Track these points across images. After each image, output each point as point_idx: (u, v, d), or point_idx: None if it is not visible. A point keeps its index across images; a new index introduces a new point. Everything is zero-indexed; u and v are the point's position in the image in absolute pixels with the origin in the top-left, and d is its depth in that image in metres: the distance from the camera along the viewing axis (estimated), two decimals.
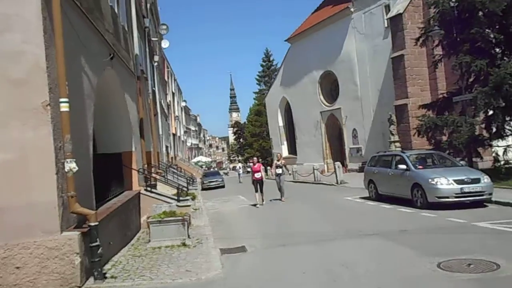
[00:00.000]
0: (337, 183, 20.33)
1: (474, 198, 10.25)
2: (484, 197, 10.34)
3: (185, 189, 13.51)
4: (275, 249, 7.71)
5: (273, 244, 8.11)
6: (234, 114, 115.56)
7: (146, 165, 13.51)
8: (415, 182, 10.90)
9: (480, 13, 14.48)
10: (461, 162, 12.28)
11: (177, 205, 10.95)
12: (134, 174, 11.32)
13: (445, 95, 16.93)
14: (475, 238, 7.16)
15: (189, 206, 11.57)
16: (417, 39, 16.70)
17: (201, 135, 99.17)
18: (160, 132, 23.05)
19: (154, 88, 21.70)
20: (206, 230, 10.13)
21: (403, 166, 11.45)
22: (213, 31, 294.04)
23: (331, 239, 8.05)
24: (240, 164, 40.93)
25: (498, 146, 15.16)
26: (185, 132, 60.29)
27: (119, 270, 6.56)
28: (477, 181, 10.36)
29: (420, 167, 11.49)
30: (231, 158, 79.72)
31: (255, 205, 14.35)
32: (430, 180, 10.44)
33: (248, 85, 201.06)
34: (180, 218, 8.56)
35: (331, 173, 22.30)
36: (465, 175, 10.48)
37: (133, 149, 11.35)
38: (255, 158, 16.27)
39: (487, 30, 14.70)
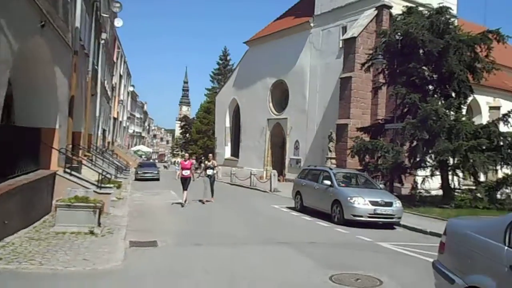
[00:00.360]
0: (270, 190, 20.65)
1: (385, 220, 10.93)
2: (393, 220, 11.03)
3: (109, 176, 13.03)
4: (186, 247, 7.74)
5: (186, 242, 8.15)
6: (184, 108, 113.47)
7: (71, 146, 12.86)
8: (335, 198, 11.39)
9: (421, 50, 15.42)
10: (381, 185, 12.97)
11: (95, 191, 10.59)
12: (55, 153, 10.74)
13: (380, 121, 17.79)
14: (373, 256, 7.63)
15: (109, 194, 11.24)
16: (363, 64, 17.44)
17: (146, 123, 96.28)
18: (97, 114, 22.05)
19: (96, 67, 20.73)
20: (123, 220, 9.91)
21: (328, 182, 11.93)
22: (175, 14, 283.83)
23: (244, 243, 8.27)
24: (179, 159, 40.28)
25: (418, 175, 16.18)
26: (128, 118, 58.37)
27: (8, 252, 6.21)
28: (390, 204, 11.02)
29: (343, 185, 11.99)
30: (175, 152, 78.27)
31: (181, 203, 13.87)
32: (348, 198, 10.96)
33: (202, 80, 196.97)
34: (92, 205, 8.32)
35: (268, 180, 22.58)
36: (381, 197, 11.13)
37: (57, 126, 10.78)
38: (186, 154, 15.85)
39: (424, 67, 15.71)
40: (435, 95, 16.18)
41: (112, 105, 38.12)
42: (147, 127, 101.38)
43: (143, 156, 54.42)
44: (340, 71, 23.75)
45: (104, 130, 30.27)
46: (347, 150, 20.71)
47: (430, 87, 16.48)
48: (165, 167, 48.41)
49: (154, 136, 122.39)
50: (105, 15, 23.20)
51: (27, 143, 9.26)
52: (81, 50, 14.34)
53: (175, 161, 36.78)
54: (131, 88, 58.17)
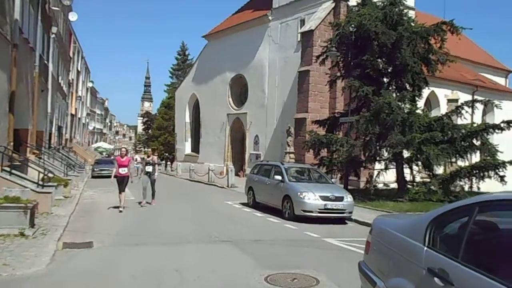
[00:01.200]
0: (227, 186, 20.31)
1: (335, 215, 10.74)
2: (344, 214, 10.87)
3: (51, 174, 12.25)
4: (123, 247, 7.36)
5: (124, 242, 7.77)
6: (147, 104, 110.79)
7: (12, 143, 12.04)
8: (286, 194, 11.13)
9: (375, 43, 15.33)
10: (333, 179, 12.81)
11: (34, 191, 10.01)
12: None
13: (336, 114, 17.70)
14: (315, 253, 7.36)
15: (49, 193, 10.55)
16: (318, 57, 17.26)
17: (107, 120, 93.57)
18: (49, 110, 21.00)
19: (46, 62, 19.69)
20: (62, 220, 9.38)
21: (279, 177, 11.65)
22: (134, 10, 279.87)
23: (184, 242, 7.89)
24: (137, 156, 38.98)
25: (373, 169, 16.17)
26: (88, 114, 56.25)
27: None
28: (340, 199, 10.85)
29: (294, 180, 11.74)
30: (137, 149, 76.46)
31: (117, 207, 11.78)
32: (299, 193, 10.71)
33: (165, 76, 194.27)
34: (22, 205, 7.82)
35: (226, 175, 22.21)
36: (331, 192, 10.93)
37: None
38: (123, 148, 13.45)
39: (378, 59, 15.62)
40: (390, 88, 16.18)
41: (69, 101, 36.63)
42: (109, 124, 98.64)
43: (104, 153, 52.60)
44: (298, 65, 23.62)
45: (60, 127, 29.09)
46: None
47: (385, 79, 16.44)
48: None
49: (117, 132, 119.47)
50: (55, 8, 22.07)
51: None
52: (24, 44, 13.60)
53: (136, 158, 35.33)
54: (90, 84, 56.02)
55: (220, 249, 7.45)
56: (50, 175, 12.26)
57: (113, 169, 28.24)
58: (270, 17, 27.13)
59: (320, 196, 10.62)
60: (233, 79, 30.45)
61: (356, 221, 11.02)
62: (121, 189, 11.85)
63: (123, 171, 11.84)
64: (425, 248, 2.91)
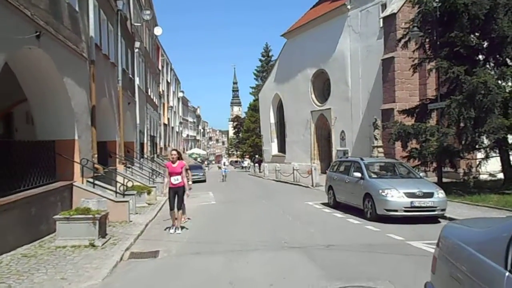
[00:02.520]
0: (312, 185, 19.61)
1: (424, 213, 9.47)
2: (435, 212, 9.54)
3: (130, 183, 12.72)
4: (187, 257, 7.09)
5: (190, 251, 7.51)
6: (236, 108, 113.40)
7: (95, 155, 12.71)
8: (366, 192, 10.15)
9: (465, 15, 13.43)
10: (421, 173, 11.37)
11: (112, 200, 10.31)
12: (77, 165, 10.54)
13: (424, 101, 15.94)
14: (395, 261, 6.39)
15: (126, 202, 10.83)
16: (399, 40, 15.74)
17: (200, 127, 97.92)
18: (138, 122, 22.25)
19: (131, 76, 20.97)
20: (137, 229, 9.36)
21: (358, 174, 10.70)
22: (219, 19, 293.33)
23: (249, 250, 7.39)
24: (225, 160, 39.89)
25: (472, 158, 14.17)
26: (180, 123, 59.42)
27: None
28: (429, 195, 9.54)
29: (375, 176, 10.67)
30: (229, 152, 79.11)
31: (169, 228, 9.42)
32: (380, 191, 9.67)
33: (251, 78, 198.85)
34: (90, 216, 7.79)
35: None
36: (418, 188, 9.66)
37: (76, 137, 10.54)
38: (174, 152, 9.58)
39: (471, 35, 13.65)
40: (487, 65, 14.07)
41: (161, 111, 38.81)
42: (202, 130, 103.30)
43: (198, 159, 55.41)
44: (382, 53, 22.00)
45: (153, 137, 30.67)
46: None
47: (480, 56, 14.35)
48: (219, 167, 48.98)
49: (210, 138, 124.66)
50: (137, 24, 23.47)
51: (38, 157, 9.03)
52: (103, 60, 14.20)
53: (224, 162, 36.21)
54: (180, 94, 59.16)
55: (286, 257, 6.86)
56: (129, 184, 12.64)
57: (203, 173, 28.63)
58: (348, 6, 25.84)
59: (405, 193, 9.45)
60: (314, 75, 29.64)
61: (451, 219, 9.50)
62: (174, 205, 9.12)
63: (175, 180, 9.04)
64: (507, 273, 2.09)
